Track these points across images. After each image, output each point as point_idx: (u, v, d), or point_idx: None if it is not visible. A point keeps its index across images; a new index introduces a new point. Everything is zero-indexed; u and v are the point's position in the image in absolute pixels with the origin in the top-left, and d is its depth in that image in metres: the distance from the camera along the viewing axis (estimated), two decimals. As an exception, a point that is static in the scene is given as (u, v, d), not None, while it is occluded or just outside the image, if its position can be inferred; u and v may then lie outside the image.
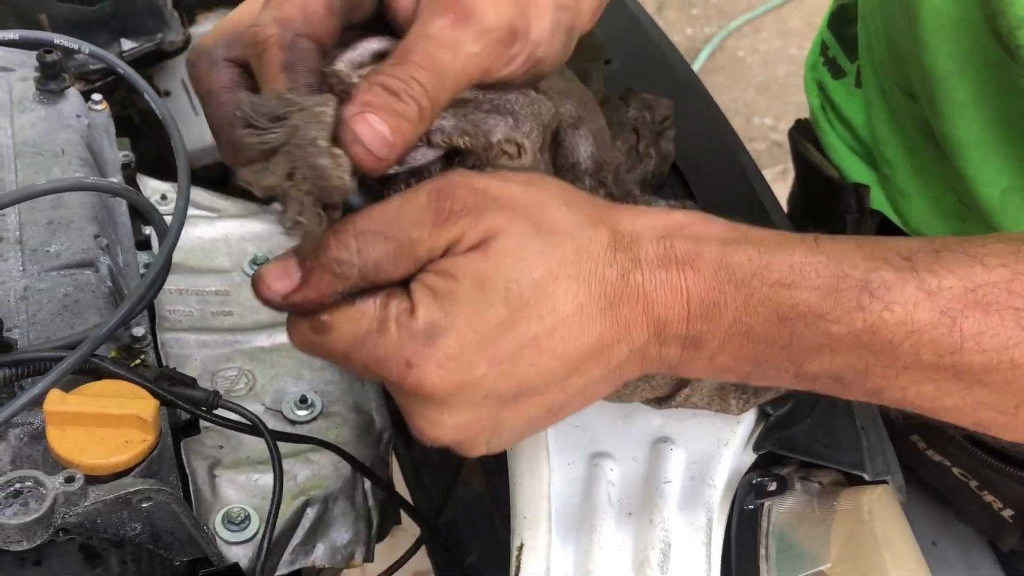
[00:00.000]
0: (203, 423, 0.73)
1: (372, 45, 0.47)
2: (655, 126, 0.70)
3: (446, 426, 0.44)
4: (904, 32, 0.68)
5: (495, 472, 0.88)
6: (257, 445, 0.74)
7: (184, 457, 0.68)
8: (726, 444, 0.54)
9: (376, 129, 0.43)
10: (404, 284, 0.45)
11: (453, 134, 0.47)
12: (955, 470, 0.68)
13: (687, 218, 0.46)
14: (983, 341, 0.43)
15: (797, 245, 0.46)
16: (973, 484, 0.77)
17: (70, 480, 0.51)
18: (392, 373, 0.44)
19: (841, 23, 0.86)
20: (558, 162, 0.58)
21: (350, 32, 0.48)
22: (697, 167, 0.71)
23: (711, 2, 2.83)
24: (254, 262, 0.87)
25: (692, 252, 0.45)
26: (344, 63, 0.46)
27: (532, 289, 0.43)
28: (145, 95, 0.69)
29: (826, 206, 0.83)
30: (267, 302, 0.46)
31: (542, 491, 0.50)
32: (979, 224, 0.73)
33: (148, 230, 0.84)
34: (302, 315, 0.46)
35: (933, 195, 0.77)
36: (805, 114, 0.92)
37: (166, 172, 1.15)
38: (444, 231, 0.43)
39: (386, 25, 0.49)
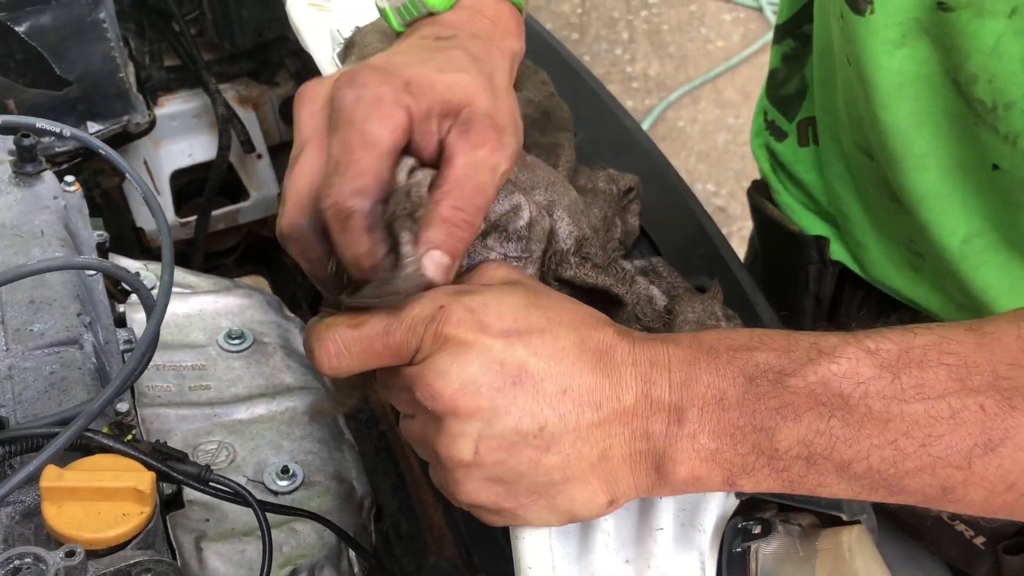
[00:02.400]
0: (185, 498, 0.74)
1: (409, 162, 0.55)
2: (619, 199, 0.73)
3: (451, 377, 0.49)
4: (861, 96, 0.72)
5: (468, 542, 0.88)
6: (242, 516, 0.74)
7: (170, 531, 0.68)
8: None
9: (438, 262, 0.53)
10: None
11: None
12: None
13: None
14: (923, 391, 0.48)
15: (752, 328, 0.54)
16: (945, 514, 0.80)
17: (71, 555, 0.51)
18: (425, 319, 0.51)
19: (774, 87, 0.91)
20: (543, 249, 0.62)
21: None
22: (662, 229, 0.75)
23: (650, 76, 2.94)
24: (229, 336, 0.88)
25: (672, 337, 0.53)
26: (398, 175, 0.54)
27: (547, 302, 0.52)
28: (127, 176, 0.71)
29: (788, 259, 0.87)
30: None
31: (544, 541, 0.51)
32: (933, 274, 0.77)
33: (122, 308, 0.85)
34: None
35: (889, 247, 0.81)
36: (745, 180, 0.97)
37: (125, 250, 1.17)
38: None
39: None
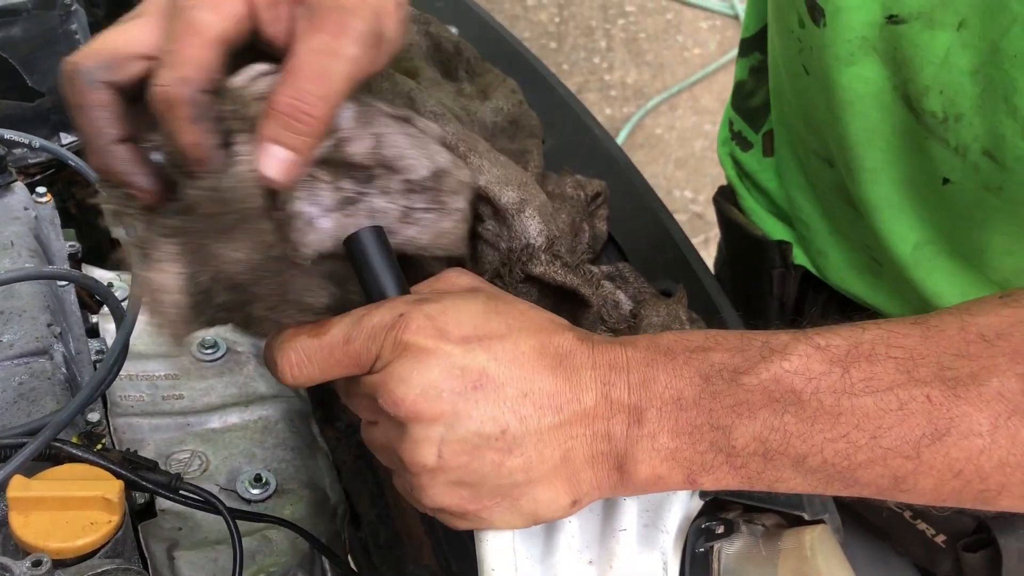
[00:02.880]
0: (158, 507, 0.74)
1: (257, 68, 0.53)
2: (587, 205, 0.74)
3: (413, 384, 0.50)
4: (820, 106, 0.73)
5: (447, 550, 0.89)
6: (215, 525, 0.74)
7: (142, 540, 0.68)
8: (675, 492, 0.57)
9: (277, 157, 0.50)
10: None
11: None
12: (890, 502, 0.73)
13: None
14: (871, 384, 0.50)
15: (707, 330, 0.55)
16: (907, 514, 0.81)
17: (37, 564, 0.52)
18: (385, 326, 0.51)
19: (740, 99, 0.93)
20: (512, 245, 0.62)
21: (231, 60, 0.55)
22: (629, 235, 0.76)
23: (628, 83, 2.96)
24: (202, 345, 0.88)
25: (630, 340, 0.54)
26: (237, 84, 0.52)
27: (506, 308, 0.52)
28: (97, 187, 0.71)
29: (752, 263, 0.89)
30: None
31: (507, 543, 0.52)
32: (891, 279, 0.79)
33: (95, 319, 0.85)
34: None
35: (848, 253, 0.83)
36: (722, 185, 0.99)
37: (100, 261, 1.17)
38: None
39: (260, 53, 0.55)
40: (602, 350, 0.52)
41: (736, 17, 3.12)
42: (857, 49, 0.67)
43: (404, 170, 0.56)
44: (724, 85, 2.95)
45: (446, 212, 0.58)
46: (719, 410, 0.50)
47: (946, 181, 0.68)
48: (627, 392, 0.50)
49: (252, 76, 0.53)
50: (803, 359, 0.50)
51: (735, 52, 3.41)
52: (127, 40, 0.53)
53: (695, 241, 2.38)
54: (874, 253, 0.78)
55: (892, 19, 0.64)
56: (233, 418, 0.84)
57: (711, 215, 2.74)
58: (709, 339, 0.52)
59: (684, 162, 2.75)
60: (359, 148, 0.54)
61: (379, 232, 0.54)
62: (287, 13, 0.53)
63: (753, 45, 0.89)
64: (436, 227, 0.57)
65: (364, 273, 0.54)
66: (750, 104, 0.91)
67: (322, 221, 0.54)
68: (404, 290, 0.55)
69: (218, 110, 0.51)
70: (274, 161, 0.50)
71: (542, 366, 0.51)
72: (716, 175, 2.76)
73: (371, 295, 0.54)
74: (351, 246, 0.54)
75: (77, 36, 1.03)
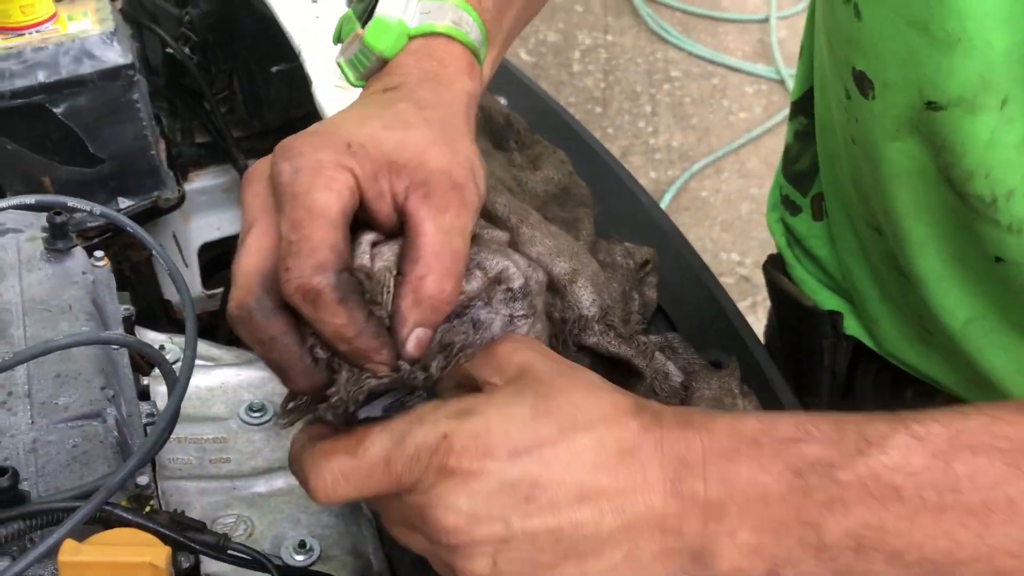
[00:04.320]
0: (203, 571, 0.74)
1: (368, 238, 0.53)
2: (636, 273, 0.74)
3: (461, 512, 0.47)
4: (868, 175, 0.73)
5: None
6: (258, 591, 0.74)
7: (187, 607, 0.68)
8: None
9: (420, 339, 0.51)
10: None
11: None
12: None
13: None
14: (977, 480, 0.47)
15: (793, 413, 0.51)
16: None
17: (86, 631, 0.51)
18: (429, 448, 0.48)
19: (788, 163, 0.93)
20: (566, 315, 0.62)
21: None
22: (678, 303, 0.75)
23: (673, 147, 2.97)
24: (250, 409, 0.89)
25: (707, 420, 0.49)
26: (362, 259, 0.52)
27: (559, 405, 0.49)
28: (154, 252, 0.73)
29: (803, 333, 0.87)
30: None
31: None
32: (943, 349, 0.77)
33: (146, 380, 0.86)
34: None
35: (900, 321, 0.81)
36: (769, 249, 0.98)
37: (152, 322, 1.19)
38: (483, 369, 0.51)
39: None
40: (672, 440, 0.48)
41: (782, 82, 3.14)
42: (903, 126, 0.66)
43: (506, 280, 0.57)
44: (770, 149, 2.95)
45: (537, 315, 0.59)
46: (810, 507, 0.47)
47: (999, 260, 0.67)
48: (703, 487, 0.47)
49: (369, 247, 0.52)
50: (903, 452, 0.47)
51: (780, 116, 3.42)
52: (262, 255, 0.51)
53: (742, 305, 2.37)
54: (925, 323, 0.77)
55: (930, 105, 0.63)
56: (279, 482, 0.84)
57: (757, 278, 2.73)
58: (799, 428, 0.48)
59: (730, 225, 2.74)
60: (474, 284, 0.55)
61: None
62: (388, 187, 0.52)
63: (799, 108, 0.89)
64: (533, 331, 0.58)
65: None
66: (796, 168, 0.91)
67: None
68: None
69: (357, 288, 0.51)
70: (417, 342, 0.51)
71: (600, 466, 0.47)
72: (763, 239, 2.75)
73: None
74: None
75: (138, 105, 1.06)
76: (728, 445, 0.48)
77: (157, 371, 0.90)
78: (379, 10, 0.60)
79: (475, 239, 0.57)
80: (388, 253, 0.52)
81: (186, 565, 0.72)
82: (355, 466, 0.50)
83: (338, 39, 0.64)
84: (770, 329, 1.03)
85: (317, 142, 0.52)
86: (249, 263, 0.51)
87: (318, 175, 0.51)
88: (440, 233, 0.51)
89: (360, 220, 0.53)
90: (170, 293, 1.30)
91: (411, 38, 0.60)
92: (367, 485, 0.50)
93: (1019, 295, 0.68)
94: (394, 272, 0.51)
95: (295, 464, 0.53)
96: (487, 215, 0.67)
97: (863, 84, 0.68)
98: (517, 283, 0.57)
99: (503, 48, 0.69)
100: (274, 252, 0.51)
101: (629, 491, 0.47)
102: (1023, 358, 0.71)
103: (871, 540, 0.47)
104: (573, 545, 0.48)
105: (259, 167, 0.54)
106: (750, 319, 0.80)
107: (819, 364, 0.86)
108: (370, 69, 0.62)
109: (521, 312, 0.58)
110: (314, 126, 0.56)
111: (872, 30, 0.65)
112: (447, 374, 0.54)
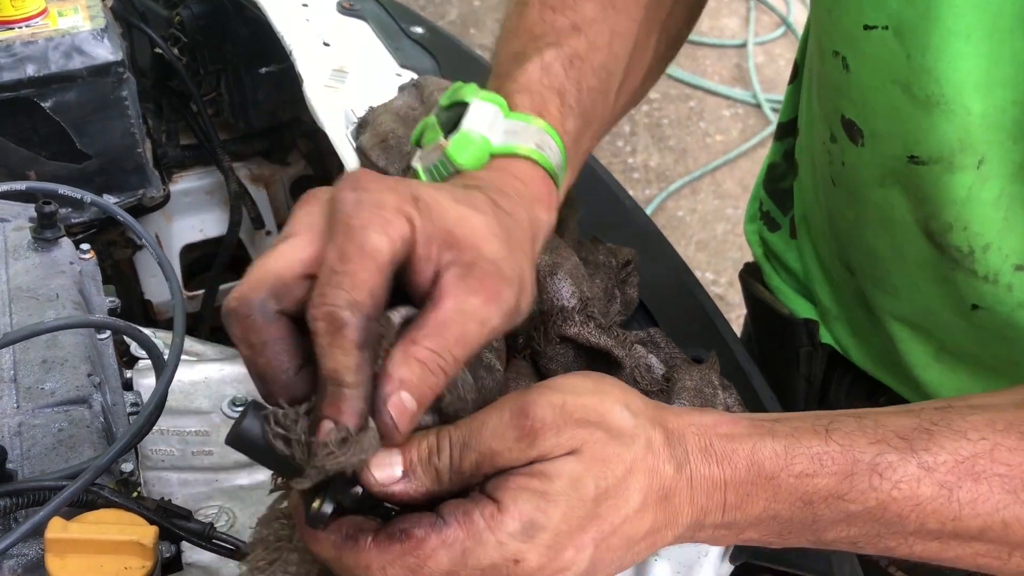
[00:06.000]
0: (184, 561, 0.74)
1: (403, 312, 0.50)
2: (618, 272, 0.76)
3: None
4: (848, 217, 0.74)
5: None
6: (239, 581, 0.74)
7: (168, 593, 0.68)
8: (706, 555, 0.57)
9: (405, 405, 0.47)
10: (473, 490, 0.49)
11: None
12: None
13: (716, 418, 0.53)
14: (977, 506, 0.51)
15: (812, 436, 0.52)
16: (882, 562, 0.81)
17: (72, 605, 0.52)
18: (498, 571, 0.47)
19: (772, 180, 0.94)
20: (544, 307, 0.64)
21: None
22: (659, 302, 0.77)
23: (651, 167, 3.01)
24: (233, 403, 0.89)
25: (728, 450, 0.51)
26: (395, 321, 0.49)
27: (615, 486, 0.49)
28: (145, 243, 0.74)
29: (779, 341, 0.89)
30: (367, 485, 0.48)
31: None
32: (907, 380, 0.80)
33: (129, 373, 0.86)
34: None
35: (869, 351, 0.84)
36: (748, 262, 1.00)
37: (132, 319, 1.19)
38: (530, 448, 0.48)
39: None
40: (700, 479, 0.50)
41: (758, 106, 3.19)
42: (887, 175, 0.68)
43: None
44: (745, 171, 2.99)
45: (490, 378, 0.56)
46: (816, 524, 0.51)
47: (975, 307, 0.69)
48: (721, 515, 0.51)
49: (401, 319, 0.50)
50: (911, 484, 0.50)
51: (757, 139, 3.45)
52: (289, 263, 0.48)
53: (716, 322, 2.37)
54: (892, 357, 0.79)
55: (913, 159, 0.65)
56: (261, 476, 0.84)
57: (732, 296, 2.75)
58: (814, 462, 0.51)
59: (705, 244, 2.77)
60: None
61: None
62: (436, 254, 0.50)
63: (788, 130, 0.91)
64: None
65: None
66: (781, 186, 0.93)
67: None
68: None
69: (377, 341, 0.48)
70: (399, 408, 0.47)
71: (645, 519, 0.49)
72: (737, 258, 2.78)
73: None
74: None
75: (127, 103, 1.07)
76: (747, 478, 0.51)
77: (140, 365, 0.90)
78: (465, 124, 0.59)
79: None
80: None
81: (167, 555, 0.72)
82: None
83: (417, 142, 0.62)
84: (744, 338, 1.05)
85: (386, 184, 0.50)
86: (272, 265, 0.49)
87: (378, 213, 0.48)
88: (458, 311, 0.49)
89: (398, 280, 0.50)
90: (151, 293, 1.30)
91: (493, 156, 0.59)
92: None
93: (992, 338, 0.71)
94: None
95: (337, 566, 0.49)
96: None
97: (853, 131, 0.69)
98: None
99: (577, 170, 0.67)
100: (301, 266, 0.48)
101: (663, 528, 0.50)
102: (988, 388, 0.74)
103: (867, 542, 0.52)
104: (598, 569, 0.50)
105: (319, 191, 0.52)
106: (725, 336, 0.82)
107: (795, 371, 0.88)
108: (447, 177, 0.60)
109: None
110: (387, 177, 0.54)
111: (860, 83, 0.67)
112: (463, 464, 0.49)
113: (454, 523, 0.47)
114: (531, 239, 0.56)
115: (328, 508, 0.47)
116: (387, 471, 0.48)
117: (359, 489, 0.48)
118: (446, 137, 0.59)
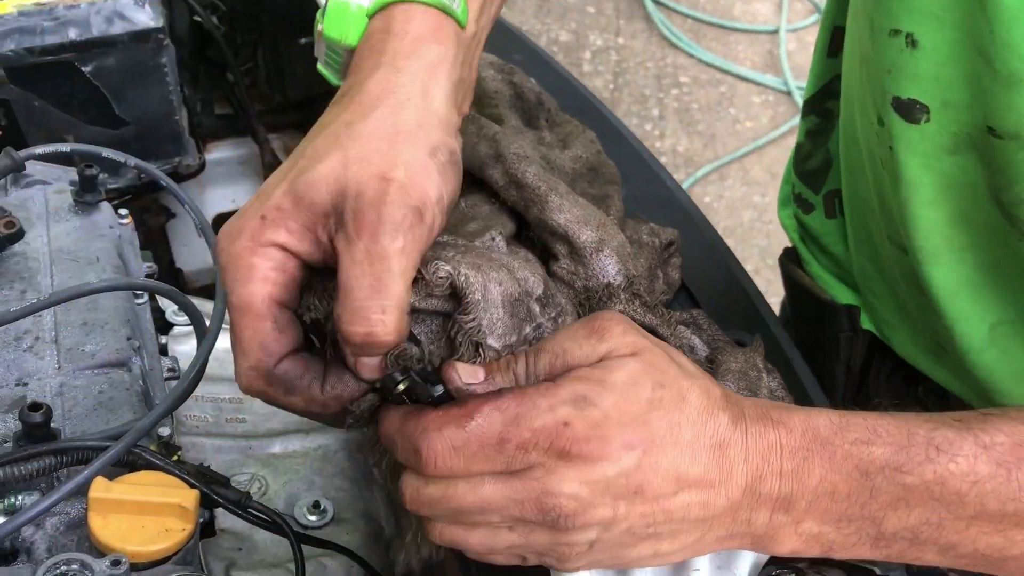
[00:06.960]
0: (218, 527, 0.74)
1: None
2: (661, 252, 0.75)
3: (580, 498, 0.49)
4: (896, 197, 0.73)
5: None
6: (271, 549, 0.74)
7: (201, 558, 0.68)
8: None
9: (371, 365, 0.53)
10: None
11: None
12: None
13: (767, 400, 0.55)
14: None
15: (867, 413, 0.52)
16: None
17: (116, 564, 0.52)
18: (548, 433, 0.48)
19: (799, 161, 0.93)
20: (590, 284, 0.63)
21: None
22: (701, 284, 0.76)
23: (679, 151, 2.99)
24: (267, 372, 0.89)
25: (783, 415, 0.52)
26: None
27: (670, 403, 0.50)
28: (186, 207, 0.74)
29: (820, 326, 0.88)
30: (450, 381, 0.52)
31: (583, 576, 0.52)
32: (953, 364, 0.78)
33: (164, 339, 0.87)
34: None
35: (913, 332, 0.83)
36: (769, 257, 0.99)
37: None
38: (599, 343, 0.51)
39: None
40: (755, 435, 0.51)
41: (789, 93, 3.16)
42: (961, 142, 0.67)
43: (533, 289, 0.57)
44: (774, 159, 2.96)
45: (563, 310, 0.59)
46: (874, 505, 0.50)
47: None
48: (778, 483, 0.50)
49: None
50: (969, 460, 0.50)
51: (787, 127, 3.42)
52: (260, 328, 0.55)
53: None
54: (940, 339, 0.78)
55: (991, 131, 0.64)
56: (294, 445, 0.84)
57: (758, 285, 2.74)
58: (869, 430, 0.51)
59: (732, 231, 2.75)
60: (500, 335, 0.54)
61: None
62: (315, 233, 0.52)
63: (811, 108, 0.90)
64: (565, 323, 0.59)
65: None
66: (809, 166, 0.92)
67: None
68: None
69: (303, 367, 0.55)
70: (367, 368, 0.52)
71: (696, 458, 0.50)
72: (764, 246, 2.76)
73: None
74: None
75: (166, 69, 1.07)
76: (803, 443, 0.50)
77: (175, 331, 0.91)
78: None
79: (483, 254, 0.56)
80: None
81: (201, 520, 0.72)
82: (466, 440, 0.49)
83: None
84: (782, 322, 1.04)
85: (235, 229, 0.53)
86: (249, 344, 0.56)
87: (237, 268, 0.52)
88: (353, 266, 0.50)
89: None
90: (182, 261, 1.30)
91: (371, 17, 0.57)
92: (475, 461, 0.49)
93: None
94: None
95: (397, 438, 0.52)
96: (516, 183, 0.67)
97: (912, 111, 0.68)
98: (540, 289, 0.57)
99: None
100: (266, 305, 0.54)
101: (716, 484, 0.50)
102: None
103: (928, 535, 0.51)
104: (657, 530, 0.51)
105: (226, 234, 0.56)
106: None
107: (835, 357, 0.87)
108: (343, 64, 0.59)
109: (553, 313, 0.58)
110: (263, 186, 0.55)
111: (933, 57, 0.65)
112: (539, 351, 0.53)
113: (508, 394, 0.50)
114: (423, 92, 0.55)
115: (403, 387, 0.53)
116: (470, 372, 0.51)
117: (440, 387, 0.52)
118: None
